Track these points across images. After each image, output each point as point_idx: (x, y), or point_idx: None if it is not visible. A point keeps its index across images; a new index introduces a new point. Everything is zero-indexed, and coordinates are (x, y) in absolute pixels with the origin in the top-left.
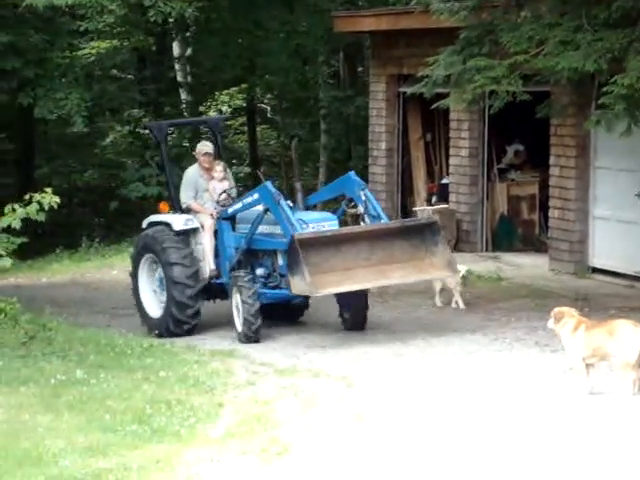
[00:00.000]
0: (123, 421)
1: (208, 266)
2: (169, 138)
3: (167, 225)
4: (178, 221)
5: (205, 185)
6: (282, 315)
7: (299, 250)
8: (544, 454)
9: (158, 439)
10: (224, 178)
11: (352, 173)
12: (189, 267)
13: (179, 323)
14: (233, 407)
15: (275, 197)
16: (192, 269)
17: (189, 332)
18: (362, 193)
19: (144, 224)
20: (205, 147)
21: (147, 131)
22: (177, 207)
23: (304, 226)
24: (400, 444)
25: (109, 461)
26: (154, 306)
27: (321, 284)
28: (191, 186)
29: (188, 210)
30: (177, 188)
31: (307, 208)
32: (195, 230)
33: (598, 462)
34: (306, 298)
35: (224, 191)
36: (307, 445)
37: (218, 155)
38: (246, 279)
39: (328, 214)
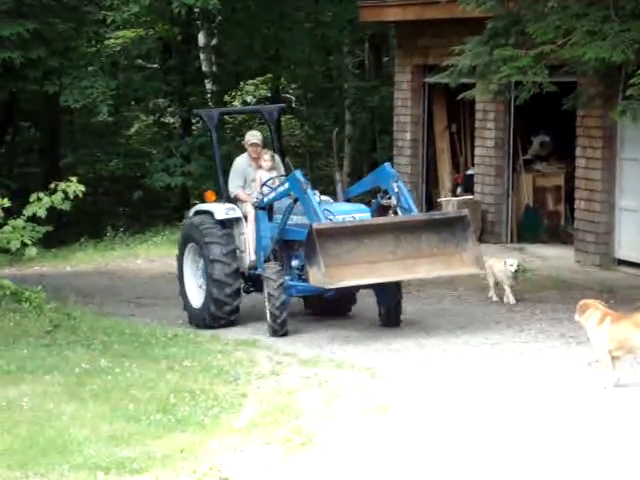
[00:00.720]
0: (147, 410)
1: (249, 257)
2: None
3: (210, 214)
4: (220, 210)
5: (253, 175)
6: (331, 309)
7: (316, 240)
8: (569, 447)
9: (182, 428)
10: (272, 168)
11: (387, 164)
12: (229, 265)
13: (216, 319)
14: (257, 397)
15: (302, 186)
16: (232, 267)
17: (225, 326)
18: (395, 185)
19: (191, 212)
20: (253, 137)
21: (172, 121)
22: (225, 196)
23: (331, 217)
24: (424, 436)
25: (133, 450)
26: (196, 295)
27: (336, 276)
28: (239, 175)
29: (235, 199)
30: (225, 177)
31: (348, 200)
32: (238, 220)
33: (622, 455)
34: (348, 293)
35: (267, 181)
36: (331, 436)
37: (274, 146)
38: (274, 270)
39: (361, 206)
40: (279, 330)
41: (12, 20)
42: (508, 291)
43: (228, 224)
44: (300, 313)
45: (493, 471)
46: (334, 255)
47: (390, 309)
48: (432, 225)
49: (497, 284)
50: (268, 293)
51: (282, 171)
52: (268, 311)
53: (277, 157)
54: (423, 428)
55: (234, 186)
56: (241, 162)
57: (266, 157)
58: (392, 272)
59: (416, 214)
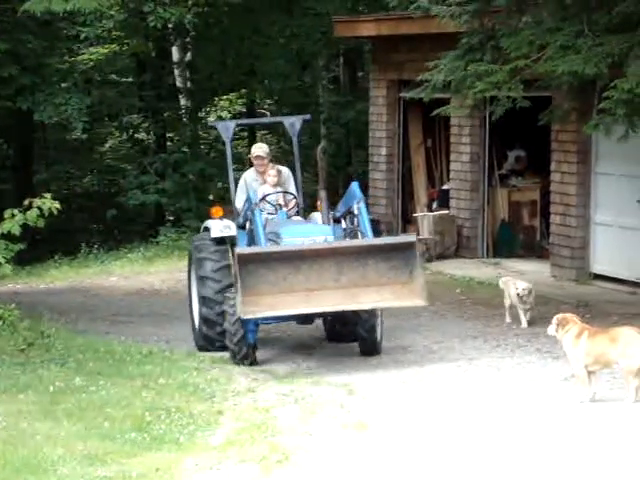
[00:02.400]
0: (122, 429)
1: None
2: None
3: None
4: (216, 228)
5: (257, 190)
6: (345, 335)
7: (237, 266)
8: (545, 463)
9: (157, 447)
10: (277, 184)
11: (354, 184)
12: (220, 282)
13: (210, 341)
14: (233, 414)
15: (251, 206)
16: (223, 284)
17: (221, 349)
18: (356, 206)
19: (201, 228)
20: (258, 149)
21: (146, 137)
22: (236, 212)
23: (278, 240)
24: (402, 453)
25: (108, 469)
26: (196, 315)
27: (260, 305)
28: (244, 190)
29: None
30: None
31: (337, 220)
32: (235, 237)
33: (599, 470)
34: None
35: (263, 197)
36: (308, 453)
37: (294, 160)
38: (232, 303)
39: (325, 227)
40: (241, 363)
41: None
42: (521, 314)
43: (229, 241)
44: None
45: None
46: (261, 282)
47: (364, 338)
48: (378, 251)
49: (512, 307)
50: (225, 310)
51: (292, 188)
52: (228, 346)
53: (287, 172)
54: (401, 444)
55: (239, 200)
56: (247, 176)
57: (271, 172)
58: (333, 301)
59: (360, 240)
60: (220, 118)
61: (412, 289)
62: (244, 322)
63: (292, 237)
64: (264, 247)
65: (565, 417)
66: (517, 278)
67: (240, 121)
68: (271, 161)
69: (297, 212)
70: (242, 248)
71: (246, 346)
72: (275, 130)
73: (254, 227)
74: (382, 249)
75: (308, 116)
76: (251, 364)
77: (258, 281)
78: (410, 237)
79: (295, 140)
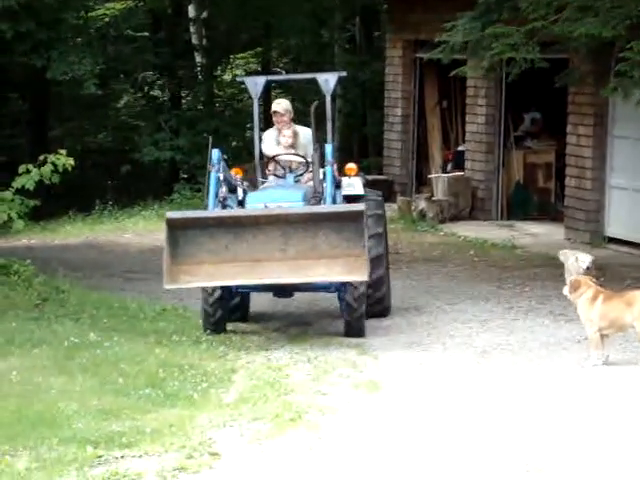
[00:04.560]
0: (136, 385)
1: None
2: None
3: None
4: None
5: (276, 150)
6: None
7: (166, 232)
8: (557, 425)
9: (171, 403)
10: (292, 145)
11: (328, 146)
12: None
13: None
14: (246, 372)
15: (208, 167)
16: None
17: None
18: (322, 170)
19: None
20: (276, 105)
21: (162, 94)
22: (261, 174)
23: (244, 205)
24: (413, 412)
25: (122, 424)
26: None
27: (179, 275)
28: (273, 144)
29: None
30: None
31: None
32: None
33: (611, 433)
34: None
35: (270, 158)
36: (320, 412)
37: (327, 120)
38: None
39: (297, 193)
40: (210, 329)
41: None
42: None
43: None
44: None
45: (486, 450)
46: (200, 250)
47: (350, 322)
48: (327, 221)
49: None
50: (201, 289)
51: (309, 150)
52: (201, 307)
53: (307, 134)
54: (412, 404)
55: (270, 152)
56: (268, 135)
57: (286, 132)
58: (278, 273)
59: (302, 207)
60: (236, 76)
61: (363, 262)
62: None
63: (255, 202)
64: (197, 212)
65: (577, 380)
66: (577, 250)
67: (271, 77)
68: (293, 120)
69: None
70: (173, 212)
71: (222, 310)
72: (290, 89)
73: (208, 189)
74: (329, 218)
75: (344, 72)
76: (219, 331)
77: (196, 249)
78: (358, 206)
79: (329, 98)
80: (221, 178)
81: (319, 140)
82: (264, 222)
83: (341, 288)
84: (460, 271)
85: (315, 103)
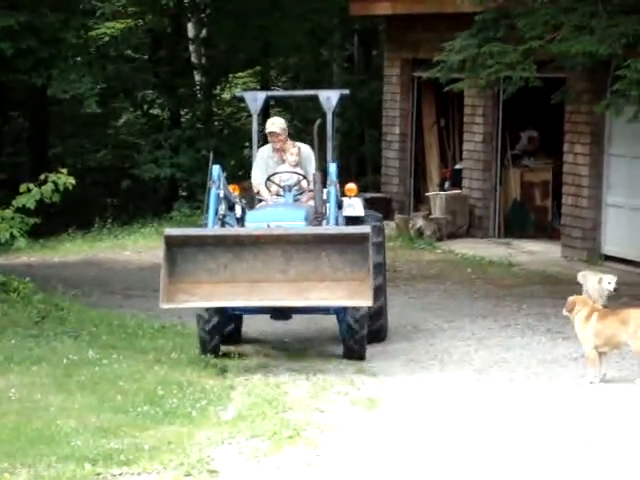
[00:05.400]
0: (135, 402)
1: None
2: None
3: None
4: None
5: (274, 169)
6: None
7: (165, 251)
8: (555, 443)
9: (170, 420)
10: (297, 164)
11: (332, 165)
12: None
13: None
14: (244, 390)
15: (208, 183)
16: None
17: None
18: (326, 190)
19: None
20: (272, 125)
21: (161, 112)
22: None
23: (243, 224)
24: (411, 430)
25: (121, 442)
26: None
27: (176, 295)
28: (261, 168)
29: (258, 194)
30: None
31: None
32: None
33: (609, 450)
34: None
35: (271, 175)
36: (318, 429)
37: (329, 138)
38: None
39: (299, 211)
40: (208, 354)
41: (3, 12)
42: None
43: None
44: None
45: (484, 467)
46: (198, 269)
47: (350, 345)
48: (330, 242)
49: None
50: (197, 314)
51: (311, 168)
52: (198, 334)
53: (307, 151)
54: (411, 422)
55: (256, 179)
56: (263, 153)
57: (293, 151)
58: (277, 295)
59: (305, 227)
60: (240, 90)
61: (368, 287)
62: (221, 309)
63: (256, 221)
64: (196, 230)
65: (575, 397)
66: (598, 271)
67: (271, 93)
68: (289, 137)
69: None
70: (171, 229)
71: (218, 335)
72: (289, 107)
73: (208, 206)
74: (334, 240)
75: (346, 91)
76: (217, 355)
77: (194, 267)
78: (364, 228)
79: (330, 116)
80: (221, 195)
81: (322, 159)
82: (265, 242)
83: (340, 311)
84: (458, 289)
85: (318, 122)
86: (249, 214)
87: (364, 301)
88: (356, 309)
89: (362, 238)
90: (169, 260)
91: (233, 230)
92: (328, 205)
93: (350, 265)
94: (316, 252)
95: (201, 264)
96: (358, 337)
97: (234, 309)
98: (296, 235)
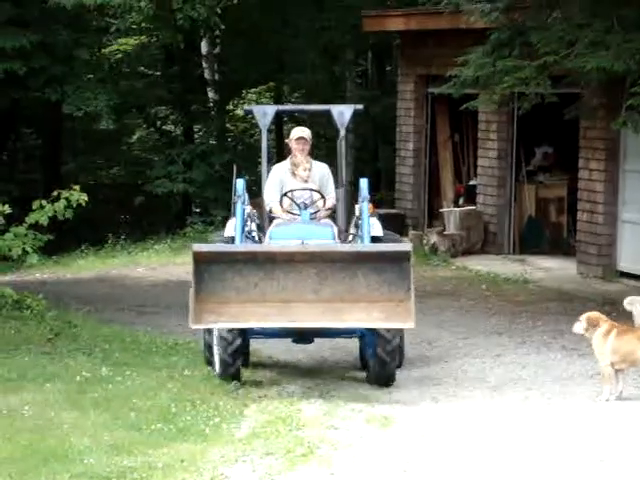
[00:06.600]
0: (148, 419)
1: None
2: None
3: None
4: (230, 226)
5: (291, 186)
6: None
7: (193, 266)
8: (570, 459)
9: (183, 438)
10: (308, 179)
11: (362, 181)
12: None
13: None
14: (258, 407)
15: (233, 198)
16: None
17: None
18: (358, 206)
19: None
20: (301, 131)
21: (174, 128)
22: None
23: (269, 240)
24: (426, 448)
25: (134, 459)
26: None
27: (203, 315)
28: (275, 186)
29: (271, 214)
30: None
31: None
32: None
33: (624, 467)
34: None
35: (284, 194)
36: (333, 447)
37: (341, 155)
38: None
39: (326, 229)
40: (229, 378)
41: (15, 32)
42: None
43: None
44: None
45: None
46: (227, 288)
47: (374, 367)
48: (367, 261)
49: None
50: (219, 336)
51: (329, 187)
52: (218, 356)
53: (325, 170)
54: (425, 440)
55: (269, 197)
56: (279, 170)
57: (306, 165)
58: (310, 316)
59: (341, 245)
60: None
61: (407, 308)
62: (244, 330)
63: (281, 238)
64: (226, 245)
65: (590, 415)
66: None
67: (281, 107)
68: (309, 153)
69: (331, 213)
70: (200, 245)
71: (240, 358)
72: (302, 124)
73: (235, 223)
74: (373, 258)
75: (360, 106)
76: (237, 380)
77: (223, 286)
78: (405, 246)
79: (343, 132)
80: (247, 210)
81: (348, 175)
82: (299, 259)
83: (367, 334)
84: (472, 305)
85: (342, 136)
86: (273, 231)
87: (404, 323)
88: (388, 341)
89: (403, 256)
90: (198, 277)
91: (266, 246)
92: (360, 222)
93: (388, 285)
94: (352, 271)
95: (230, 282)
96: (389, 368)
97: (256, 332)
98: (335, 252)
